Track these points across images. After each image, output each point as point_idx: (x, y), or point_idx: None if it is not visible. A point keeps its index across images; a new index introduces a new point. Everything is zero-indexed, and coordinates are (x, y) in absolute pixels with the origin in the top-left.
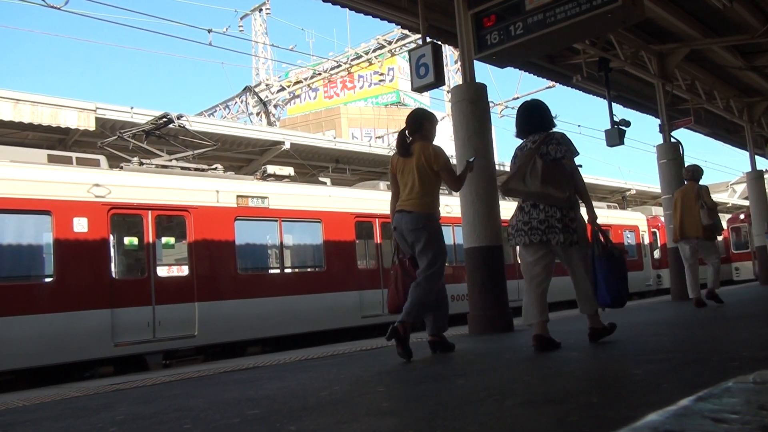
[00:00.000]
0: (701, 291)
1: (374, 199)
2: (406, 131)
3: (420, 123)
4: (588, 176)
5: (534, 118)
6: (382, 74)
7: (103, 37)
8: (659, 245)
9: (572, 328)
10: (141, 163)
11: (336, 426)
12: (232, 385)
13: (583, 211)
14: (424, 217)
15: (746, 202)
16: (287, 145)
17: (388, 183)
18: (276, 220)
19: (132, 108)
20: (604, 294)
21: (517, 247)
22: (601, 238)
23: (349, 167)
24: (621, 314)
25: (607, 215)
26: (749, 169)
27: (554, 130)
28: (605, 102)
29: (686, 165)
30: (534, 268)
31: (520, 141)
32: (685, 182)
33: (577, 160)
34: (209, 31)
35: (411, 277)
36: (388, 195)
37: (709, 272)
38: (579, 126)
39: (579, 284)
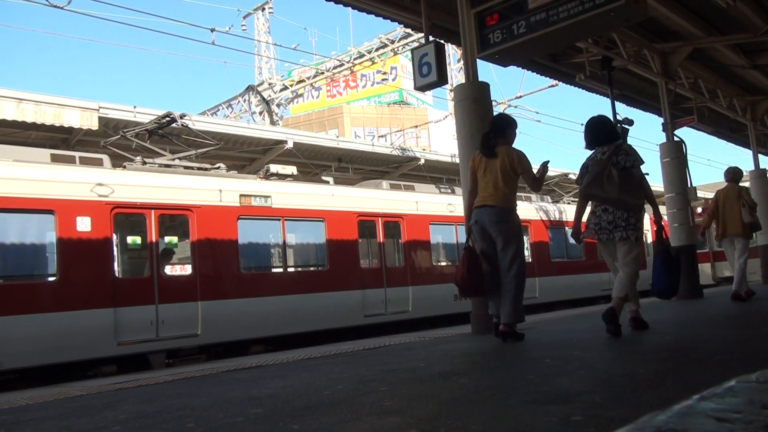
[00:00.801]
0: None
1: (377, 198)
2: (490, 134)
3: (503, 129)
4: None
5: (602, 132)
6: (384, 73)
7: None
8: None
9: (573, 327)
10: (144, 163)
11: (339, 425)
12: (234, 384)
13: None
14: (507, 212)
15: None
16: (290, 144)
17: (391, 182)
18: (279, 219)
19: (135, 107)
20: (658, 284)
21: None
22: (663, 237)
23: (352, 166)
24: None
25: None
26: (752, 167)
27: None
28: (608, 101)
29: (727, 167)
30: (611, 257)
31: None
32: (726, 183)
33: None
34: (212, 30)
35: (476, 265)
36: (391, 194)
37: (736, 273)
38: (582, 125)
39: (619, 276)
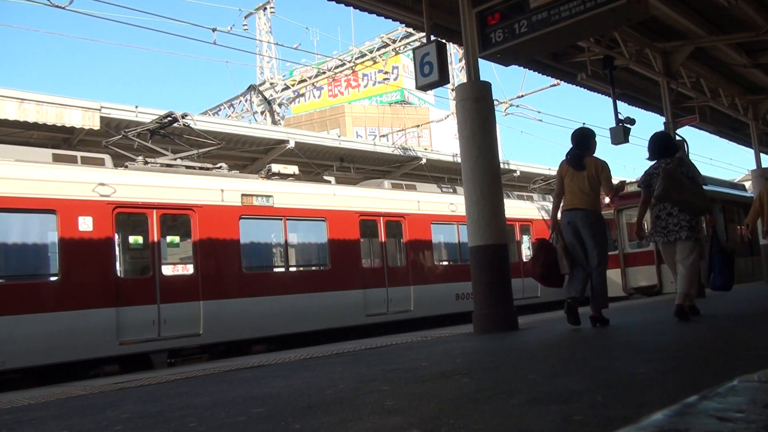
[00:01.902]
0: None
1: (379, 198)
2: (576, 149)
3: (587, 142)
4: None
5: (665, 146)
6: (386, 73)
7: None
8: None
9: (574, 327)
10: (146, 162)
11: (341, 424)
12: (236, 384)
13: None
14: (595, 214)
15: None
16: (292, 144)
17: (393, 181)
18: (281, 219)
19: (137, 107)
20: (717, 279)
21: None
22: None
23: (354, 166)
24: (625, 313)
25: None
26: (754, 166)
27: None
28: (610, 100)
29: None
30: (672, 257)
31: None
32: None
33: None
34: (214, 30)
35: (555, 258)
36: (392, 194)
37: None
38: (584, 124)
39: (682, 273)
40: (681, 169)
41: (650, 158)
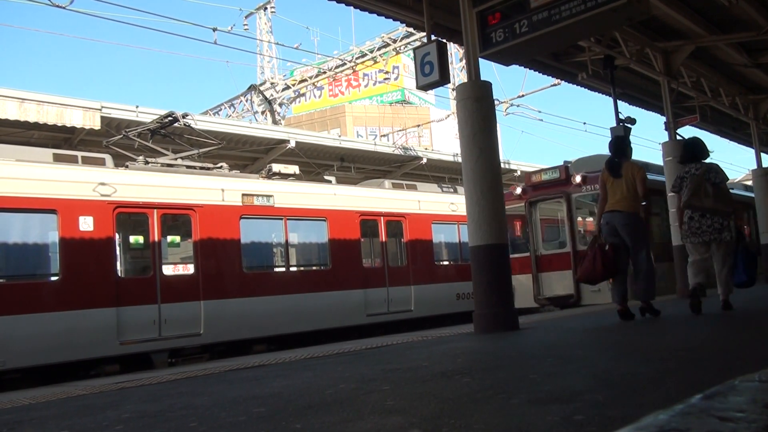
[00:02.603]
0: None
1: (379, 198)
2: (614, 158)
3: (623, 150)
4: None
5: (696, 151)
6: (387, 72)
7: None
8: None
9: (575, 327)
10: (146, 162)
11: (341, 424)
12: (237, 384)
13: None
14: (634, 216)
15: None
16: (292, 144)
17: (393, 181)
18: (281, 219)
19: (137, 107)
20: (741, 276)
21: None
22: (743, 238)
23: (354, 165)
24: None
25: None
26: (755, 166)
27: (707, 160)
28: (611, 99)
29: None
30: (703, 256)
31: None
32: None
33: None
34: (214, 29)
35: (608, 258)
36: (393, 193)
37: None
38: (584, 123)
39: (720, 271)
40: (708, 175)
41: (681, 162)
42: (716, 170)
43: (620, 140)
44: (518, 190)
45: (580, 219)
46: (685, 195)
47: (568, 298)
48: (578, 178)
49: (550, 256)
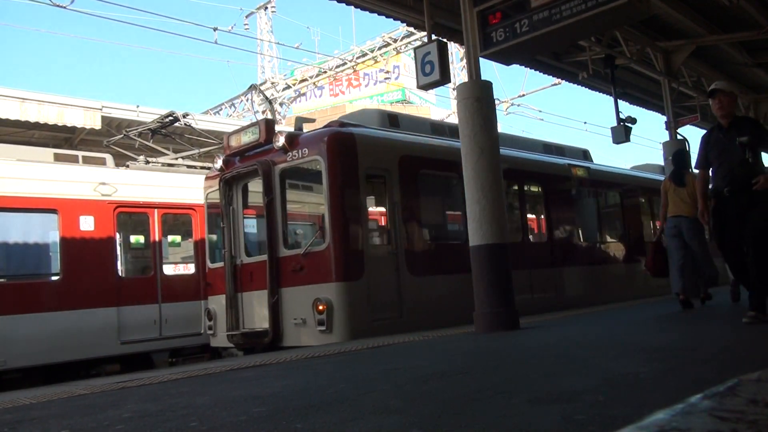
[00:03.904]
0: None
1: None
2: (680, 169)
3: (686, 162)
4: None
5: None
6: (387, 72)
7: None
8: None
9: (575, 326)
10: (147, 162)
11: (342, 424)
12: (238, 383)
13: None
14: (696, 221)
15: None
16: None
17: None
18: None
19: (138, 107)
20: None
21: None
22: None
23: None
24: (625, 312)
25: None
26: None
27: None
28: (611, 99)
29: None
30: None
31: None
32: None
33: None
34: (215, 29)
35: (664, 255)
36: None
37: None
38: (585, 123)
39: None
40: None
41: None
42: None
43: (682, 153)
44: (218, 163)
45: (296, 206)
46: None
47: (263, 336)
48: (281, 140)
49: (252, 266)
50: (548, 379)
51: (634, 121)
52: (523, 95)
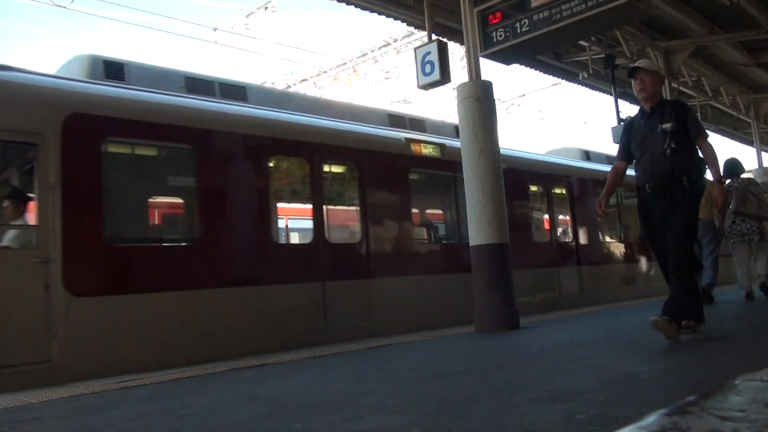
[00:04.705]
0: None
1: None
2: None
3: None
4: None
5: (733, 170)
6: (387, 72)
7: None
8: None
9: (575, 326)
10: None
11: (342, 423)
12: (238, 383)
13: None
14: (706, 223)
15: None
16: None
17: None
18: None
19: None
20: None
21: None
22: None
23: None
24: (625, 312)
25: None
26: (756, 165)
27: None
28: (611, 99)
29: None
30: (746, 255)
31: None
32: None
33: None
34: (215, 29)
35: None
36: None
37: None
38: (585, 123)
39: (762, 262)
40: (750, 188)
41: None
42: (755, 183)
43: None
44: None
45: None
46: (732, 204)
47: None
48: None
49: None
50: (548, 378)
51: None
52: (524, 95)
